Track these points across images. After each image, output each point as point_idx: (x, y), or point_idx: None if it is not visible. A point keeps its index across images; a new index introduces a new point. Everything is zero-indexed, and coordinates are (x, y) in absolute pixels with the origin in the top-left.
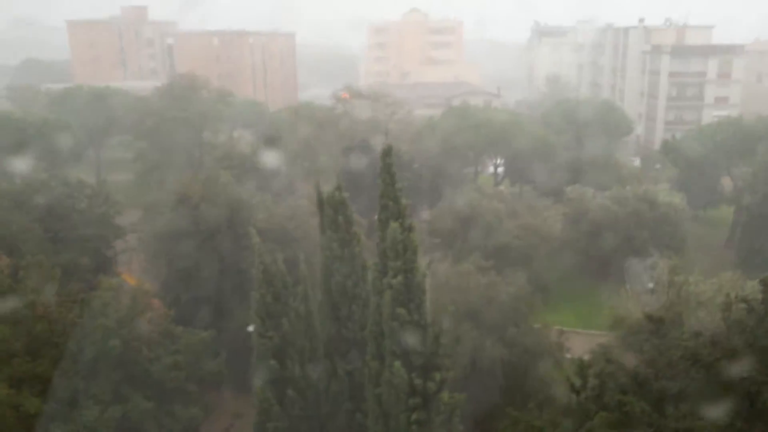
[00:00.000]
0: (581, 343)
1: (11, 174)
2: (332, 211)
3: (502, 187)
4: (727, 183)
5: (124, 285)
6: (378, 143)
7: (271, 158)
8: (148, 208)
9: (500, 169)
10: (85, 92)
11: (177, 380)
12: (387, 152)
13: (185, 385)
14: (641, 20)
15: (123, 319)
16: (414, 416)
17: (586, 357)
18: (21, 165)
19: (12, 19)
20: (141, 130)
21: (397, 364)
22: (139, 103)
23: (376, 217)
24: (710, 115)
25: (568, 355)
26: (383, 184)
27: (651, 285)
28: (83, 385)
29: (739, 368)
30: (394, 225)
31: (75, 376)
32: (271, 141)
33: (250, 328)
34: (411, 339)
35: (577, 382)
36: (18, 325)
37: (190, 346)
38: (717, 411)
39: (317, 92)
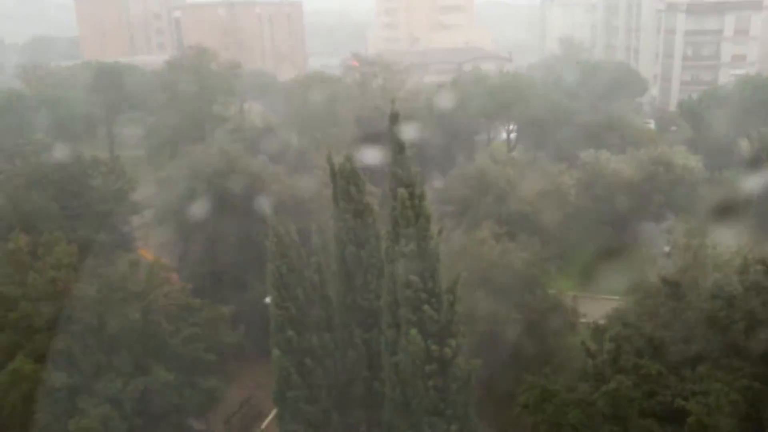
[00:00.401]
0: (597, 309)
1: (26, 153)
2: (344, 181)
3: (515, 154)
4: (745, 144)
5: (142, 260)
6: (388, 111)
7: (282, 130)
8: (162, 183)
9: (513, 135)
10: (95, 69)
11: (197, 352)
12: (394, 120)
13: (205, 356)
14: None
15: (141, 293)
16: (431, 382)
17: (601, 321)
18: (35, 143)
19: None
20: (152, 105)
21: (414, 331)
22: (148, 77)
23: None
24: (727, 74)
25: (584, 320)
26: (392, 153)
27: (667, 249)
28: (105, 358)
29: (756, 330)
30: (402, 192)
31: (97, 350)
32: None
33: (267, 300)
34: (427, 307)
35: (593, 346)
36: (39, 301)
37: (208, 318)
38: (734, 373)
39: (326, 61)
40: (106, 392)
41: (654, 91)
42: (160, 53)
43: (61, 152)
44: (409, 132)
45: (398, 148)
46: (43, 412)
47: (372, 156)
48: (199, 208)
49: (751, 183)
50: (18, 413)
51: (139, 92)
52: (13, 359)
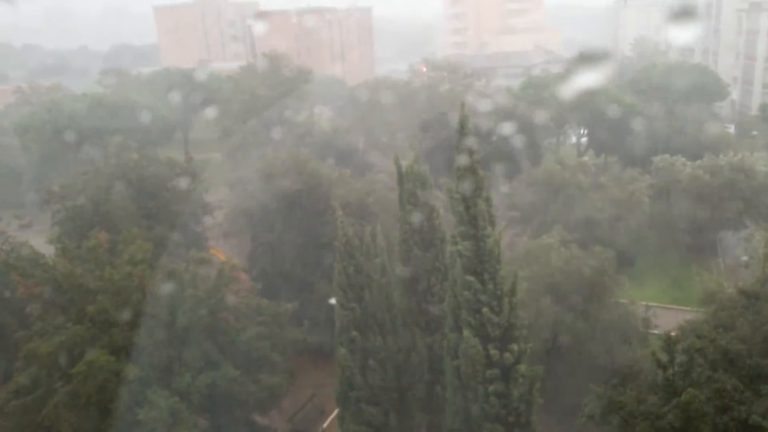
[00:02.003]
0: (669, 320)
1: (107, 155)
2: (411, 184)
3: (585, 158)
4: None
5: (213, 259)
6: (456, 116)
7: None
8: (234, 184)
9: (584, 140)
10: (172, 75)
11: (262, 350)
12: (463, 124)
13: (270, 354)
14: None
15: (211, 291)
16: (492, 388)
17: (673, 333)
18: (115, 146)
19: (103, 8)
20: (226, 110)
21: (468, 333)
22: (224, 83)
23: None
24: None
25: (655, 331)
26: (459, 156)
27: (745, 258)
28: (176, 353)
29: None
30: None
31: (168, 344)
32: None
33: (332, 301)
34: (486, 309)
35: (664, 358)
36: (116, 295)
37: (274, 317)
38: None
39: (394, 66)
40: (175, 385)
41: (734, 94)
42: (235, 60)
43: (139, 155)
44: (476, 136)
45: (465, 151)
46: (117, 402)
47: (439, 160)
48: (268, 210)
49: None
50: (93, 402)
51: (214, 97)
52: (90, 351)
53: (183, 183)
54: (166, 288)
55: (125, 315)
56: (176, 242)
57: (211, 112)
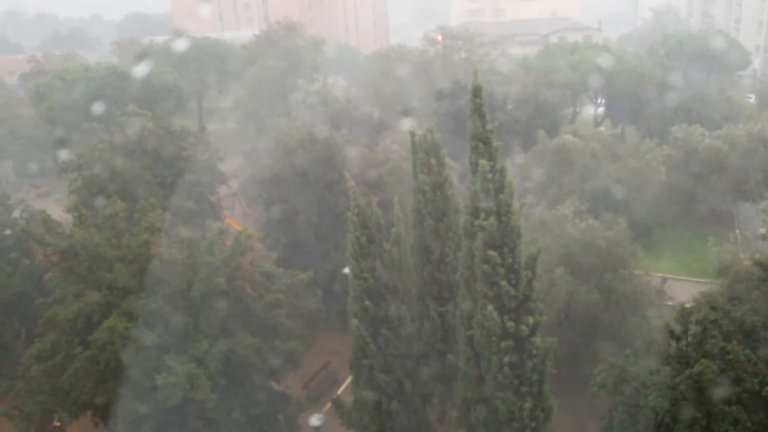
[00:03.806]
0: (684, 291)
1: (122, 124)
2: (425, 153)
3: (602, 128)
4: None
5: (229, 228)
6: (471, 85)
7: (364, 103)
8: (248, 154)
9: (601, 109)
10: (185, 44)
11: (278, 317)
12: (477, 92)
13: (285, 322)
14: None
15: (228, 259)
16: (506, 359)
17: (688, 304)
18: (130, 115)
19: None
20: (240, 78)
21: (490, 307)
22: (237, 52)
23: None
24: None
25: (670, 303)
26: (473, 126)
27: (763, 230)
28: (192, 320)
29: None
30: (483, 163)
31: (185, 312)
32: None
33: (346, 270)
34: (504, 282)
35: (678, 329)
36: (133, 263)
37: (289, 285)
38: None
39: (409, 34)
40: (192, 352)
41: (756, 63)
42: (248, 28)
43: (154, 124)
44: (490, 105)
45: (480, 121)
46: (135, 368)
47: (453, 129)
48: (282, 180)
49: None
50: (112, 368)
51: (228, 66)
52: (108, 318)
53: (197, 152)
54: (183, 256)
55: (142, 282)
56: (192, 211)
57: (224, 82)
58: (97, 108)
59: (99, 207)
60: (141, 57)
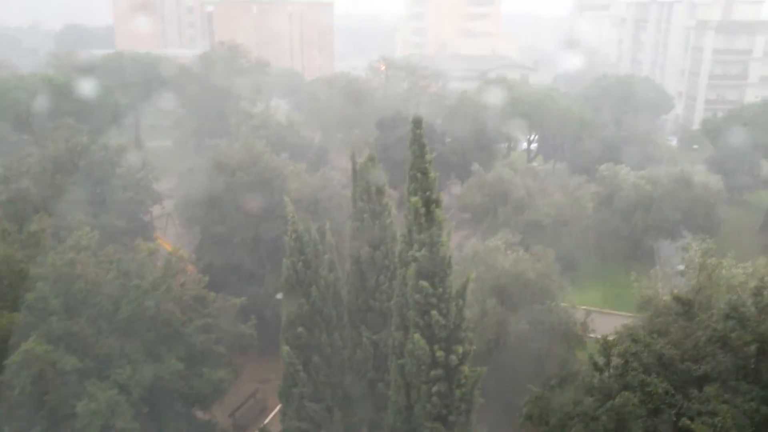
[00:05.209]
0: (607, 324)
1: (54, 138)
2: (365, 181)
3: (535, 164)
4: (766, 166)
5: (160, 249)
6: (412, 115)
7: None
8: (185, 174)
9: (534, 146)
10: (126, 59)
11: (207, 343)
12: (417, 123)
13: (215, 348)
14: None
15: (157, 281)
16: (435, 388)
17: (611, 337)
18: (62, 129)
19: None
20: (180, 97)
21: (417, 335)
22: (179, 70)
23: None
24: (754, 94)
25: (593, 335)
26: (413, 156)
27: (681, 267)
28: (118, 344)
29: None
30: (415, 200)
31: (110, 335)
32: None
33: (280, 296)
34: (434, 312)
35: (601, 361)
36: (57, 283)
37: (221, 310)
38: (743, 396)
39: (354, 63)
40: (115, 377)
41: (678, 108)
42: (192, 47)
43: (88, 139)
44: (430, 137)
45: (419, 151)
46: (53, 394)
47: (393, 158)
48: (219, 201)
49: None
50: (27, 394)
51: (168, 84)
52: (26, 340)
53: (132, 170)
54: (111, 276)
55: (65, 304)
56: (123, 230)
57: (164, 99)
58: (29, 120)
59: (24, 222)
60: (78, 70)
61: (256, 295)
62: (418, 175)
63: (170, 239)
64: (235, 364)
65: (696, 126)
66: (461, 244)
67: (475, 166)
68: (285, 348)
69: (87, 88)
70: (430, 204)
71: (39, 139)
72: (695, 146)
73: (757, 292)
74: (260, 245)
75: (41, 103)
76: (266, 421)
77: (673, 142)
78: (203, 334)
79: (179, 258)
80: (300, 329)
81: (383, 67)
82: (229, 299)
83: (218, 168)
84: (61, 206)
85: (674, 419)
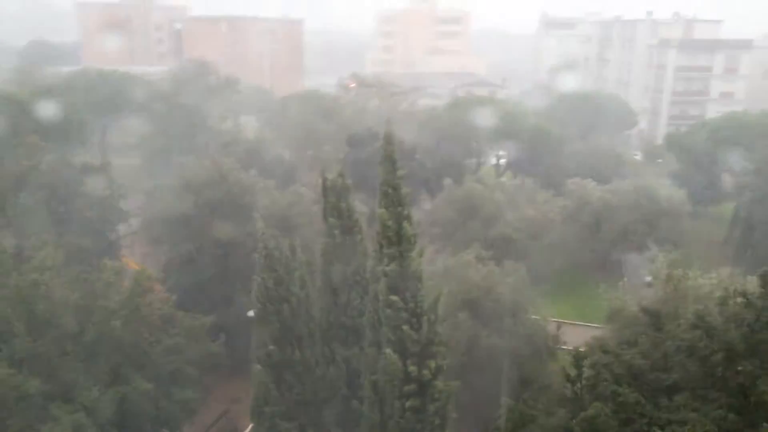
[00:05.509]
0: (578, 335)
1: (17, 155)
2: (335, 198)
3: (504, 179)
4: (728, 179)
5: (127, 268)
6: (382, 132)
7: (276, 145)
8: (152, 192)
9: (503, 161)
10: (93, 76)
11: (176, 363)
12: (388, 140)
13: (184, 368)
14: (649, 13)
15: (124, 302)
16: (408, 403)
17: (582, 348)
18: (25, 147)
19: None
20: (148, 114)
21: (389, 351)
22: (147, 87)
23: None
24: (715, 110)
25: (565, 347)
26: (384, 172)
27: (649, 279)
28: (83, 365)
29: (734, 361)
30: (381, 212)
31: (75, 357)
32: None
33: (251, 313)
34: (406, 326)
35: (573, 373)
36: (20, 304)
37: (190, 330)
38: (710, 404)
39: (323, 80)
40: (81, 400)
41: (643, 123)
42: (161, 64)
43: (53, 156)
44: (400, 153)
45: (390, 168)
46: (16, 419)
47: (363, 174)
48: (187, 219)
49: (733, 217)
50: None
51: (136, 101)
52: None
53: (98, 188)
54: (76, 297)
55: (29, 325)
56: (88, 250)
57: (131, 117)
58: None
59: None
60: (42, 86)
61: (226, 314)
62: (389, 191)
63: (137, 258)
64: (205, 384)
65: (660, 141)
66: (433, 259)
67: (447, 181)
68: (256, 366)
69: (51, 105)
70: (401, 219)
71: (1, 157)
72: (659, 160)
73: (723, 302)
74: (230, 263)
75: (4, 121)
76: None
77: (638, 156)
78: (172, 355)
79: (146, 277)
80: (271, 347)
81: (353, 84)
82: (198, 318)
83: (186, 186)
84: (25, 225)
85: (645, 429)
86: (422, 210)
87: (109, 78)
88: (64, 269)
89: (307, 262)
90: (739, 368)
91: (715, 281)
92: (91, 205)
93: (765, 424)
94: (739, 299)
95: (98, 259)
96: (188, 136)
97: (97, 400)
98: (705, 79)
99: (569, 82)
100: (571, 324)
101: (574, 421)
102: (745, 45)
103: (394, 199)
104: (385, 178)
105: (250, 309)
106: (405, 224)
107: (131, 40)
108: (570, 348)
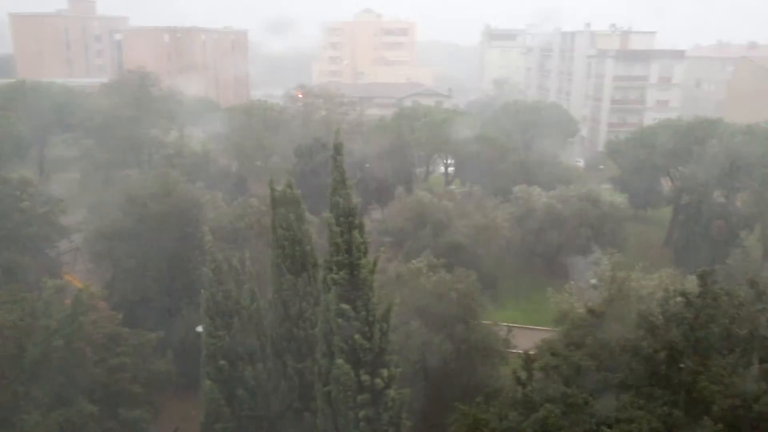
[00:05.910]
0: (528, 339)
1: None
2: (284, 208)
3: (452, 187)
4: (666, 183)
5: (68, 286)
6: (330, 142)
7: (223, 157)
8: (94, 206)
9: (451, 169)
10: (29, 88)
11: (122, 382)
12: (338, 150)
13: (131, 387)
14: (587, 25)
15: (66, 320)
16: (362, 413)
17: (531, 351)
18: None
19: None
20: (88, 127)
21: (341, 360)
22: (85, 99)
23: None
24: (651, 117)
25: (515, 351)
26: (334, 182)
27: (594, 281)
28: (24, 388)
29: (676, 359)
30: (330, 220)
31: (15, 379)
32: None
33: (199, 329)
34: (358, 335)
35: (523, 375)
36: None
37: (136, 347)
38: (655, 401)
39: (270, 91)
40: (21, 425)
41: (584, 131)
42: (100, 75)
43: None
44: (350, 162)
45: (339, 178)
46: None
47: (312, 185)
48: (131, 233)
49: (672, 219)
50: None
51: (75, 114)
52: None
53: (36, 204)
54: (14, 317)
55: None
56: (28, 268)
57: (70, 129)
58: None
59: None
60: None
61: (174, 329)
62: (340, 200)
63: (80, 275)
64: (155, 402)
65: (600, 148)
66: (384, 268)
67: (399, 190)
68: (207, 382)
69: None
70: (351, 228)
71: None
72: (601, 167)
73: (664, 302)
74: (177, 277)
75: None
76: None
77: (581, 163)
78: (118, 374)
79: (89, 294)
80: (222, 362)
81: (300, 95)
82: (145, 335)
83: (130, 199)
84: None
85: (594, 428)
86: (372, 219)
87: (47, 90)
88: (2, 288)
89: (257, 275)
90: (681, 366)
91: (656, 282)
92: (30, 221)
93: (705, 417)
94: (680, 299)
95: (38, 277)
96: (131, 148)
97: (39, 424)
98: (641, 88)
99: (512, 92)
100: (521, 328)
101: (525, 423)
102: (678, 55)
103: (344, 209)
104: (335, 188)
105: (198, 324)
106: (355, 233)
107: (69, 51)
108: (520, 351)
